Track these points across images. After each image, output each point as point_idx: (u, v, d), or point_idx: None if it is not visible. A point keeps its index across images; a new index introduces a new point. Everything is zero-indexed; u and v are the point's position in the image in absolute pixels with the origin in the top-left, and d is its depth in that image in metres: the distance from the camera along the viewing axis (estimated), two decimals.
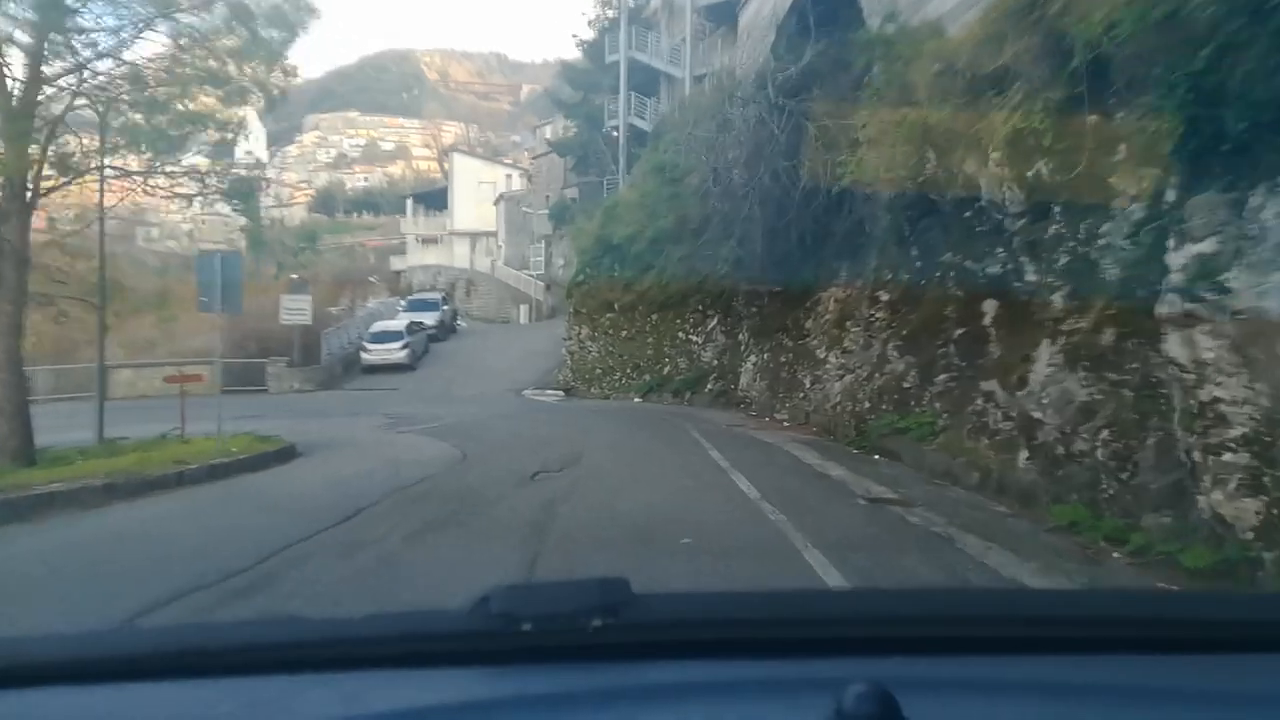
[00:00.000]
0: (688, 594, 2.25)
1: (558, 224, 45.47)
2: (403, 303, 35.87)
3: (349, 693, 1.13)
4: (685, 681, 1.15)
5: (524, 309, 40.23)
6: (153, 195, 17.33)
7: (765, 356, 18.33)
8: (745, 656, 1.20)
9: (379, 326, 29.64)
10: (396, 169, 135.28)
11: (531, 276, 42.46)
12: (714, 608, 1.42)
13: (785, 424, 15.92)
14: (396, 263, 60.41)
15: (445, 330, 33.84)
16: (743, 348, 19.60)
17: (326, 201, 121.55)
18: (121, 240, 52.00)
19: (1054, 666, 1.20)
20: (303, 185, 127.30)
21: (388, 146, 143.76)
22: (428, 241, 59.17)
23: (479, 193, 57.44)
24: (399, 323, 29.86)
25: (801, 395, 16.13)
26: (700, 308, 21.19)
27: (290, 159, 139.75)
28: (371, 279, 55.97)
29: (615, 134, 35.67)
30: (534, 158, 53.30)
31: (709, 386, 20.45)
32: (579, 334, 24.57)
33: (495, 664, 1.18)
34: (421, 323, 30.96)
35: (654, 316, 22.46)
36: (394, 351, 27.39)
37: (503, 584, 1.25)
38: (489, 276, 47.82)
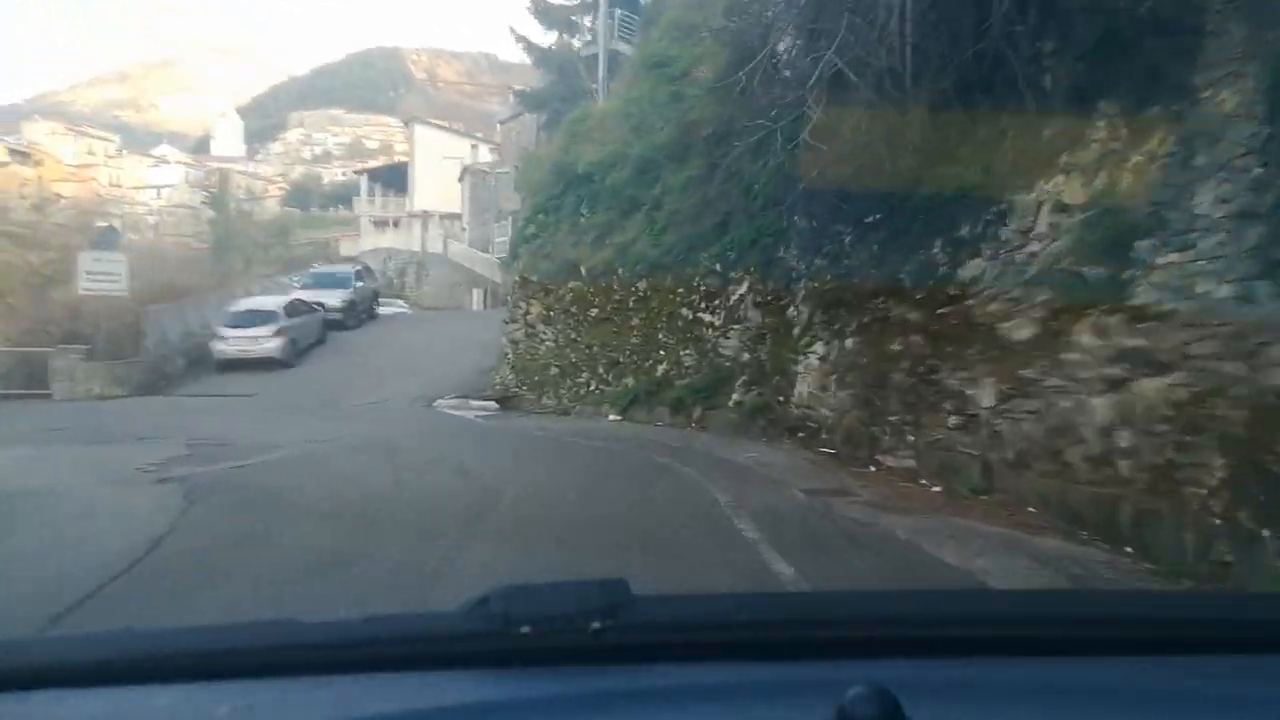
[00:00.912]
0: (688, 596, 1.94)
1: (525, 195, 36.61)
2: (300, 278, 26.17)
3: (347, 695, 1.09)
4: (685, 684, 1.11)
5: (478, 294, 31.18)
6: None
7: (850, 344, 9.39)
8: (746, 659, 1.16)
9: (243, 305, 20.12)
10: (377, 163, 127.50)
11: (487, 256, 33.44)
12: (714, 610, 1.35)
13: (930, 487, 7.00)
14: (347, 248, 51.43)
15: (357, 314, 23.91)
16: (799, 331, 10.65)
17: (301, 196, 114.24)
18: (78, 232, 44.55)
19: (1057, 668, 1.15)
20: (277, 179, 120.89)
21: (371, 144, 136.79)
22: (382, 224, 50.22)
23: (443, 169, 48.42)
24: (274, 300, 20.68)
25: (957, 422, 7.19)
26: (719, 267, 12.27)
27: (273, 155, 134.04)
28: (315, 266, 46.78)
29: (594, 86, 26.63)
30: (503, 122, 44.26)
31: (735, 398, 11.51)
32: (525, 314, 15.60)
33: (494, 666, 1.13)
34: (320, 303, 21.72)
35: (641, 285, 13.54)
36: (260, 340, 18.28)
37: (502, 584, 1.13)
38: (442, 258, 38.84)
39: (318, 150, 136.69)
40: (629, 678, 1.11)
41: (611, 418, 13.10)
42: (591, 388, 13.96)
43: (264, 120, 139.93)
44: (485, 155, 49.82)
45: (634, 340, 13.55)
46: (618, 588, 1.15)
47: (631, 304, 13.64)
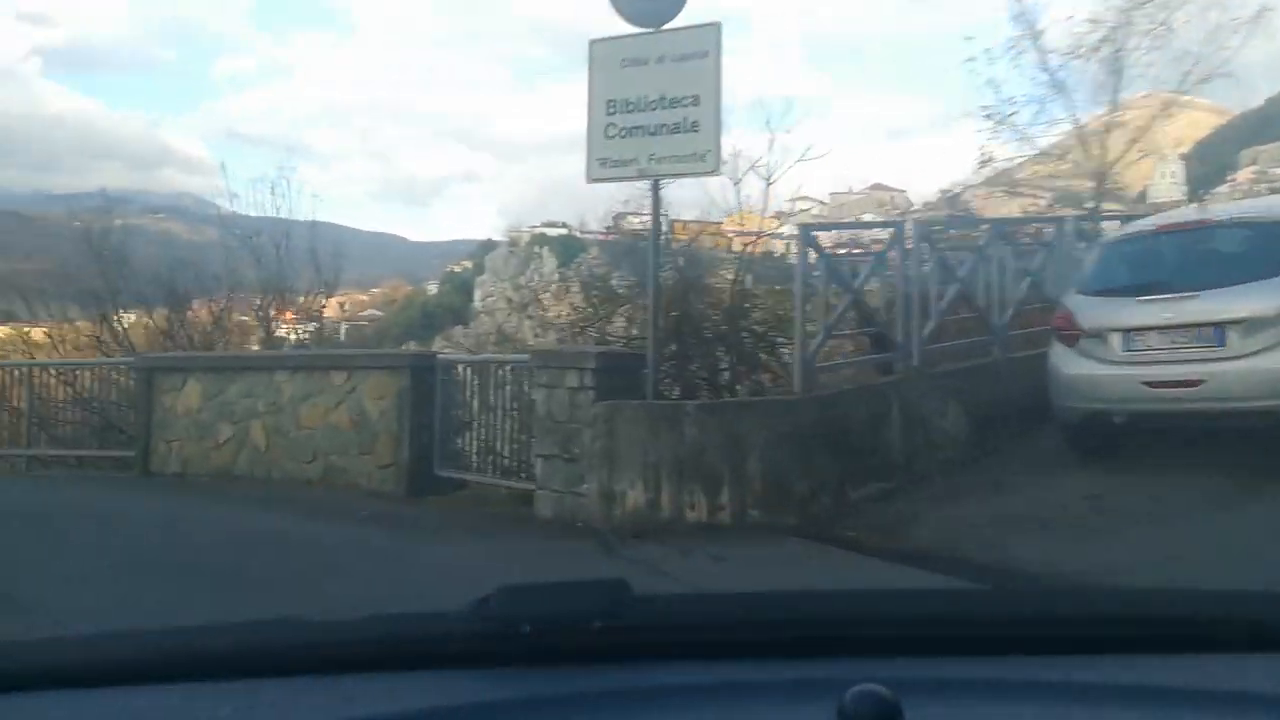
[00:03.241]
0: (689, 596, 1.86)
1: None
2: None
3: (347, 695, 1.04)
4: (686, 684, 1.06)
5: None
6: None
7: None
8: (746, 658, 1.10)
9: (1181, 215, 6.58)
10: None
11: None
12: (715, 609, 1.32)
13: None
14: None
15: None
16: None
17: None
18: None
19: (1056, 667, 1.08)
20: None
21: None
22: None
23: None
24: None
25: None
26: None
27: (1218, 196, 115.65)
28: None
29: None
30: None
31: None
32: None
33: (495, 666, 1.08)
34: None
35: None
36: (1246, 334, 4.53)
37: (503, 585, 1.10)
38: None
39: (1275, 185, 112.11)
40: (629, 678, 1.07)
41: None
42: None
43: (1206, 165, 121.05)
44: None
45: None
46: (618, 588, 1.11)
47: None
